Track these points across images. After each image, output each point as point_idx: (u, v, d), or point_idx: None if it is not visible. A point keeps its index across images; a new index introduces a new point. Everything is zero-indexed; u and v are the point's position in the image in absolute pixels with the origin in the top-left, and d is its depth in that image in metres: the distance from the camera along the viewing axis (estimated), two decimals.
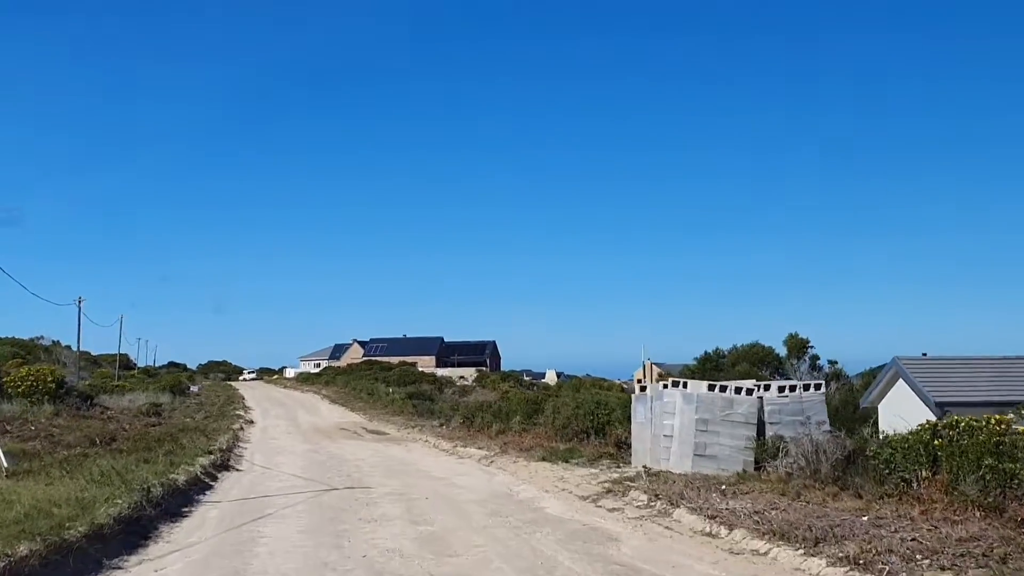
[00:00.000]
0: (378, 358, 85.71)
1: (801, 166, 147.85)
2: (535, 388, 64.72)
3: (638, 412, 15.01)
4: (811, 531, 7.97)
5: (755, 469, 12.74)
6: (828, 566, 7.10)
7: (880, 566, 6.81)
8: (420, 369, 72.27)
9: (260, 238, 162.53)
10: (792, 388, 13.37)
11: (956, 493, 8.93)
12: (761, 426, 13.16)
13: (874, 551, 7.16)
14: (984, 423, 9.35)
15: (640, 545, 8.50)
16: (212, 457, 15.99)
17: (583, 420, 19.08)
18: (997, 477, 8.77)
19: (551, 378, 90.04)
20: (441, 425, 28.24)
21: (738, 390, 13.15)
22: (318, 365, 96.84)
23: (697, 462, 12.89)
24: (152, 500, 9.87)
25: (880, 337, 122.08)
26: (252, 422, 31.59)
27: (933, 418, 21.34)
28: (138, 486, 10.03)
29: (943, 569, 6.72)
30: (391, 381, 56.20)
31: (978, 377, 21.58)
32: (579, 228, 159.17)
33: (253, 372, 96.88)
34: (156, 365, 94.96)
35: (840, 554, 7.22)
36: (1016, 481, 8.68)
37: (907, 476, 9.70)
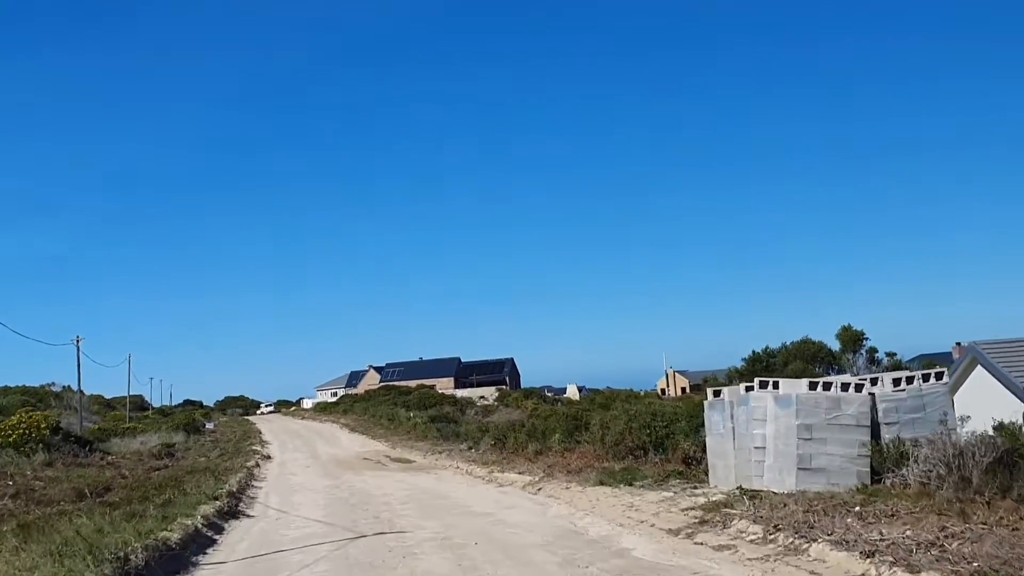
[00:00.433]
0: (395, 383, 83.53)
1: (802, 166, 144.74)
2: (559, 404, 62.43)
3: (714, 422, 12.68)
4: None
5: (873, 481, 10.39)
6: None
7: None
8: (439, 391, 69.96)
9: (268, 272, 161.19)
10: (909, 379, 11.01)
11: None
12: (874, 428, 10.80)
13: None
14: None
15: None
16: (218, 504, 13.76)
17: (638, 434, 16.72)
18: None
19: (572, 393, 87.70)
20: (470, 448, 26.18)
21: (844, 386, 10.80)
22: (335, 394, 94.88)
23: (802, 477, 10.53)
24: (130, 572, 7.65)
25: (921, 325, 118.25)
26: (269, 457, 29.65)
27: (1022, 407, 18.96)
28: (111, 555, 7.80)
29: None
30: (411, 405, 54.09)
31: None
32: (591, 239, 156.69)
33: (271, 405, 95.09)
34: (172, 404, 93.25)
35: None
36: None
37: None
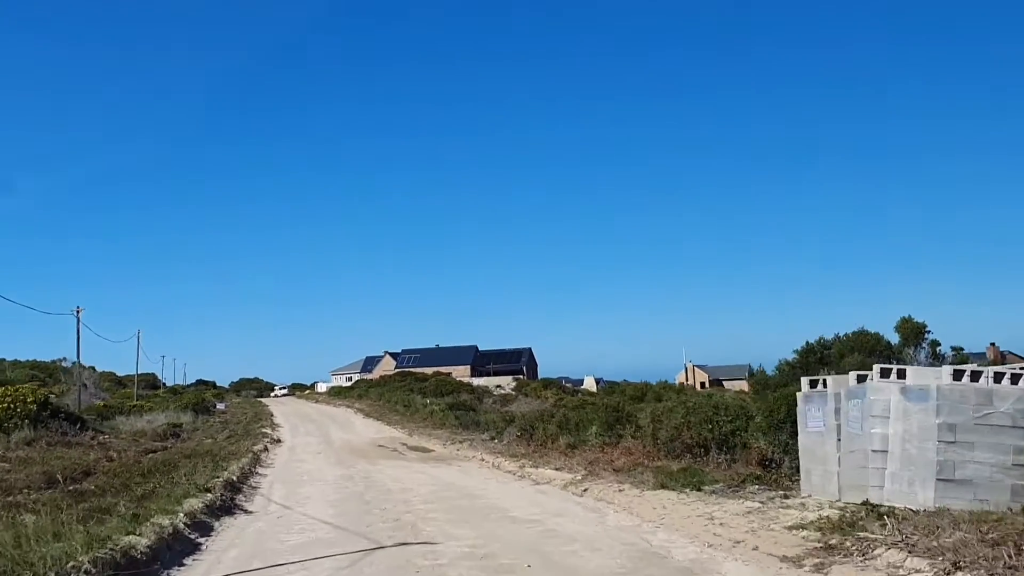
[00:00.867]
0: (411, 369, 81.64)
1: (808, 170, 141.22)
2: (578, 395, 60.16)
3: (811, 417, 10.40)
4: None
5: None
6: None
7: None
8: (456, 379, 67.98)
9: (285, 257, 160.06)
10: None
11: None
12: None
13: None
14: None
15: None
16: (210, 496, 11.66)
17: (698, 429, 14.47)
18: None
19: (590, 384, 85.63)
20: (492, 439, 24.35)
21: (998, 376, 8.47)
22: (350, 379, 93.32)
23: (942, 491, 8.23)
24: None
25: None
26: (279, 441, 27.94)
27: None
28: (44, 573, 5.69)
29: None
30: (427, 392, 52.31)
31: None
32: (610, 231, 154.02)
33: (285, 388, 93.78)
34: (185, 384, 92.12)
35: None
36: None
37: None
